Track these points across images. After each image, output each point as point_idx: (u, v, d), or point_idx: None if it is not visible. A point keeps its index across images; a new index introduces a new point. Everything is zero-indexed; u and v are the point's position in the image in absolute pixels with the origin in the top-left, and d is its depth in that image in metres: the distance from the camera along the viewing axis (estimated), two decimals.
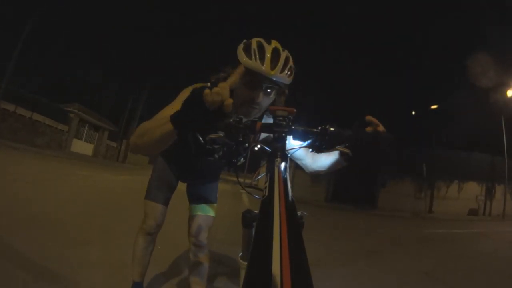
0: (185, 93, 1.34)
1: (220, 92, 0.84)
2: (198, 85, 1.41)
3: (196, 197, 1.94)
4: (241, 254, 1.30)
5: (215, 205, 1.99)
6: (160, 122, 0.99)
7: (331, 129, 1.06)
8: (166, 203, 1.91)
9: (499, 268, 5.24)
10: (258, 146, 1.19)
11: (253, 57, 1.20)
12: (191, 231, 1.88)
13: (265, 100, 1.29)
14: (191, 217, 1.91)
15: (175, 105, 1.19)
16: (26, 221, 3.42)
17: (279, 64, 1.20)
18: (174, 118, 0.93)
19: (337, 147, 1.10)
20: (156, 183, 1.90)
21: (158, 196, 1.88)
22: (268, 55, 1.20)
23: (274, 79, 1.22)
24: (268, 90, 1.27)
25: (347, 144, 1.10)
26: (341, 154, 1.22)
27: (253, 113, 1.31)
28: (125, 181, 10.95)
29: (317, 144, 1.09)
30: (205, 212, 1.92)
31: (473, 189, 19.85)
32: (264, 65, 1.19)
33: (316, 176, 19.87)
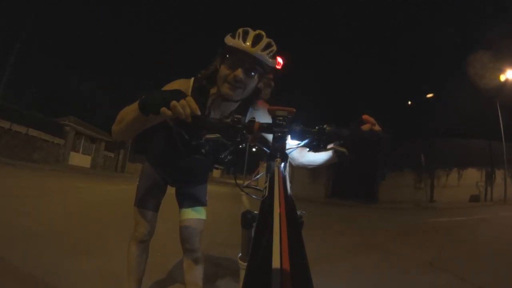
0: (167, 87, 1.43)
1: (186, 105, 0.91)
2: (180, 81, 1.49)
3: (186, 201, 1.91)
4: (240, 255, 1.29)
5: (206, 207, 1.96)
6: (132, 108, 1.10)
7: (328, 128, 1.07)
8: (156, 209, 1.90)
9: (504, 253, 5.20)
10: (256, 147, 1.20)
11: (237, 37, 1.24)
12: (183, 236, 1.85)
13: (248, 80, 1.31)
14: (182, 222, 1.86)
15: None
16: (24, 235, 3.39)
17: (260, 43, 1.24)
18: (140, 101, 1.02)
19: (334, 145, 1.11)
20: (145, 189, 1.87)
21: (148, 202, 1.87)
22: (251, 36, 1.24)
23: (255, 56, 1.25)
24: (252, 72, 1.30)
25: (341, 142, 1.11)
26: (336, 151, 1.21)
27: (237, 93, 1.33)
28: (123, 190, 10.88)
29: (314, 143, 1.10)
30: (196, 216, 1.88)
31: (473, 176, 19.78)
32: (246, 43, 1.23)
33: (315, 172, 19.99)
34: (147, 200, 1.86)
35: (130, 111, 1.13)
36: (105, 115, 30.12)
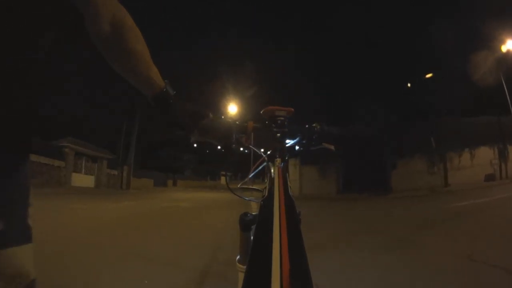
0: None
1: None
2: None
3: None
4: (238, 257, 1.21)
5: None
6: (149, 65, 0.89)
7: (319, 126, 1.12)
8: None
9: None
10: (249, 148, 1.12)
11: None
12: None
13: None
14: None
15: None
16: None
17: None
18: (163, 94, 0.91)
19: (323, 143, 1.13)
20: None
21: None
22: None
23: None
24: None
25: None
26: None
27: None
28: (122, 207, 10.41)
29: (304, 142, 1.13)
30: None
31: (485, 154, 19.26)
32: None
33: (325, 169, 19.58)
34: None
35: (146, 66, 0.88)
36: (105, 133, 29.92)
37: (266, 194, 0.75)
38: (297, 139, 1.12)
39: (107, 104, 27.98)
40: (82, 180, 22.80)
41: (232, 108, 24.09)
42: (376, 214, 9.52)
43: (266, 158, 1.03)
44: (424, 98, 23.12)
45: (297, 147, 1.13)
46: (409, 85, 25.94)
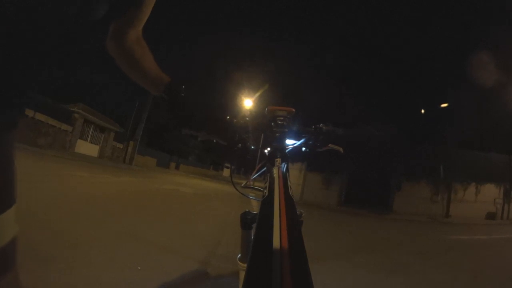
0: None
1: None
2: None
3: None
4: (239, 255, 1.26)
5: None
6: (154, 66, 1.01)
7: (325, 127, 1.12)
8: None
9: None
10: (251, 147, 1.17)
11: None
12: None
13: None
14: None
15: None
16: None
17: None
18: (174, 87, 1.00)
19: (329, 145, 1.13)
20: None
21: None
22: None
23: None
24: None
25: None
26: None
27: None
28: (122, 182, 10.34)
29: (310, 143, 1.13)
30: None
31: (490, 192, 19.00)
32: None
33: (328, 179, 19.40)
34: None
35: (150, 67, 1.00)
36: (117, 106, 30.00)
37: (267, 193, 0.74)
38: (303, 140, 1.12)
39: (124, 78, 28.01)
40: (87, 148, 22.85)
41: (248, 102, 23.83)
42: (374, 232, 9.36)
43: (267, 159, 1.03)
44: (437, 126, 22.91)
45: (303, 148, 1.14)
46: (423, 111, 25.66)
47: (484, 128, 21.64)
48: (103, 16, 0.84)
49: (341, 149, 1.14)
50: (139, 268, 2.55)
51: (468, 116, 22.63)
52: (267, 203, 0.68)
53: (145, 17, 0.97)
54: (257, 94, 25.02)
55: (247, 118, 1.08)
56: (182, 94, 0.98)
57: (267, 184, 0.80)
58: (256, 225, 0.68)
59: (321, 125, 1.11)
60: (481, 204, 18.60)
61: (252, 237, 1.15)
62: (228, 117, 1.04)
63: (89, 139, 23.50)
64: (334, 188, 19.40)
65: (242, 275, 1.27)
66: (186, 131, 1.03)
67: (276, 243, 0.48)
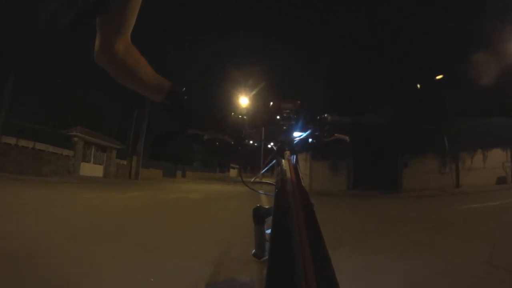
0: None
1: None
2: None
3: None
4: (254, 251, 1.25)
5: None
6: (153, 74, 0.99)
7: (330, 117, 1.12)
8: None
9: None
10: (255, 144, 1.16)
11: None
12: None
13: None
14: None
15: None
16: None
17: None
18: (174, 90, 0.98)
19: (336, 134, 1.13)
20: None
21: None
22: None
23: None
24: None
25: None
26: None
27: None
28: (131, 198, 10.33)
29: (317, 133, 1.13)
30: None
31: (498, 156, 18.88)
32: None
33: (335, 165, 19.37)
34: None
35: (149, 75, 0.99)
36: (115, 123, 30.02)
37: (280, 185, 0.74)
38: (309, 131, 1.12)
39: (117, 93, 28.02)
40: (91, 169, 22.90)
41: (244, 101, 23.75)
42: (385, 212, 9.31)
43: (275, 152, 1.06)
44: (437, 98, 22.73)
45: (310, 140, 1.14)
46: (418, 86, 25.43)
47: (482, 93, 21.38)
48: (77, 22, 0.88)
49: (347, 138, 1.15)
50: (152, 280, 2.56)
51: (463, 84, 22.38)
52: (281, 195, 0.68)
53: (131, 23, 0.94)
54: (257, 89, 24.96)
55: (252, 113, 1.08)
56: (185, 97, 0.98)
57: (279, 176, 0.81)
58: (272, 217, 0.69)
59: (326, 115, 1.12)
60: (490, 170, 18.50)
61: (266, 231, 1.20)
62: (233, 113, 1.04)
63: (92, 160, 23.55)
64: (341, 174, 19.36)
65: (258, 269, 1.34)
66: (192, 131, 1.03)
67: (294, 234, 0.48)
